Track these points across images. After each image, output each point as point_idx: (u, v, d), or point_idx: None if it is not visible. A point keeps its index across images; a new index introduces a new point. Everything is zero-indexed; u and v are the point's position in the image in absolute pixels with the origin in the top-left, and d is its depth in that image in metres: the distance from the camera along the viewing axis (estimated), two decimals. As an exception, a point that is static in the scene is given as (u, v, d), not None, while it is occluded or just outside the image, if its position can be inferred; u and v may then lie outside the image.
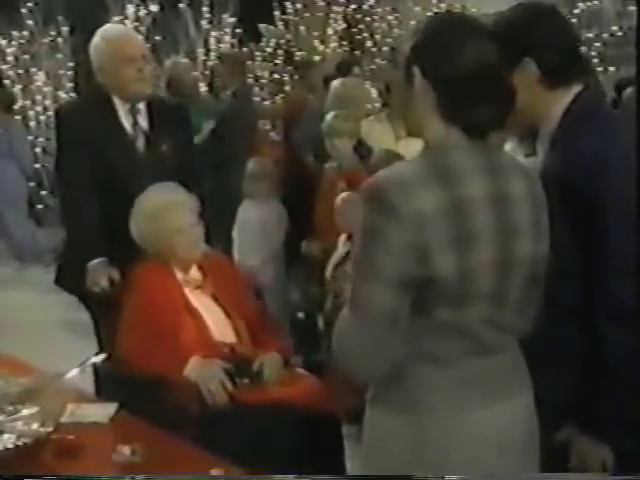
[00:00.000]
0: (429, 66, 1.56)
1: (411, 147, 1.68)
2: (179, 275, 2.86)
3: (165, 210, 2.84)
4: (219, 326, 2.80)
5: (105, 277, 3.01)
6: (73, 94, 8.18)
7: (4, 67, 8.37)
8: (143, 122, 3.22)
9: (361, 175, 4.22)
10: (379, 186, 1.52)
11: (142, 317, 2.69)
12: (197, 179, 3.32)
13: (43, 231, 7.76)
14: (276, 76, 8.65)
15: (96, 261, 3.03)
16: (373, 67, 8.55)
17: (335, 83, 4.88)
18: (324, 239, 4.18)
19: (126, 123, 3.20)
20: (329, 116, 4.34)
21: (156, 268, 2.84)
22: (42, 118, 8.28)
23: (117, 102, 3.19)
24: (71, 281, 3.22)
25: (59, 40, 8.28)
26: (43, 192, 8.04)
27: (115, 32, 3.31)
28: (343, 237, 3.88)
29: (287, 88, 8.14)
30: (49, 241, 7.09)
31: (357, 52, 9.04)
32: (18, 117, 7.99)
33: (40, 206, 8.02)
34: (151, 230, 2.85)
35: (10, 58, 8.35)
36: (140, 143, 3.21)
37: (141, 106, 3.22)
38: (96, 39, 3.23)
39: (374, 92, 6.24)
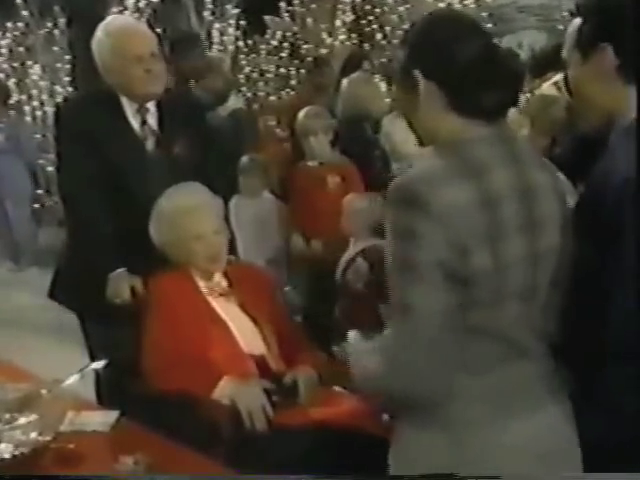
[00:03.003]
0: (431, 67, 1.60)
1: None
2: (201, 283, 2.76)
3: (184, 215, 2.74)
4: (247, 335, 2.68)
5: (127, 288, 2.91)
6: (70, 89, 8.20)
7: (-2, 60, 8.40)
8: (152, 122, 3.10)
9: (352, 169, 4.30)
10: (408, 185, 1.53)
11: (165, 331, 2.60)
12: (214, 181, 3.13)
13: (40, 231, 7.78)
14: (282, 70, 8.66)
15: (117, 271, 2.93)
16: (383, 60, 8.56)
17: (343, 82, 4.90)
18: (324, 237, 4.23)
19: (134, 123, 3.07)
20: (300, 115, 4.44)
21: (176, 277, 2.74)
22: (38, 113, 8.29)
23: (124, 101, 3.06)
24: (72, 295, 3.16)
25: (56, 32, 8.28)
26: (39, 191, 8.06)
27: (120, 26, 3.09)
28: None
29: (293, 83, 8.15)
30: (46, 242, 7.12)
31: (366, 45, 9.02)
32: (12, 112, 8.02)
33: (36, 205, 8.03)
34: (169, 236, 2.76)
35: (4, 51, 8.35)
36: (150, 144, 3.09)
37: (150, 105, 3.09)
38: (99, 34, 3.06)
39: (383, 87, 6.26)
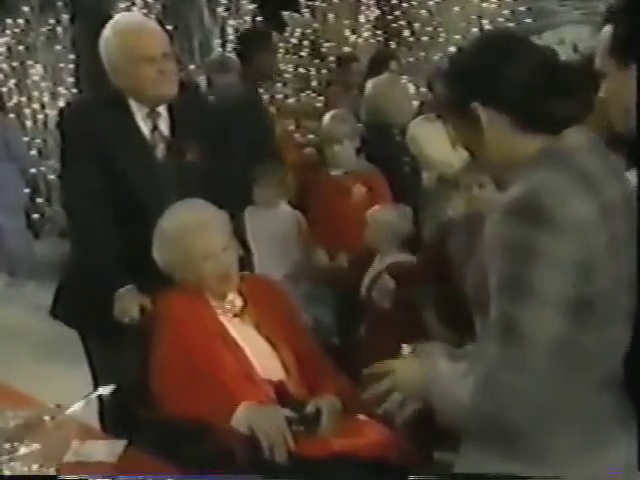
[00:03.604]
0: (488, 95, 1.64)
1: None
2: (213, 302, 2.75)
3: (188, 234, 2.72)
4: (263, 359, 2.67)
5: (136, 306, 2.90)
6: (74, 91, 8.24)
7: (-4, 59, 8.45)
8: (164, 127, 3.11)
9: (379, 178, 4.29)
10: (531, 198, 1.52)
11: (175, 354, 2.59)
12: (230, 192, 3.15)
13: (39, 243, 7.81)
14: (301, 70, 8.67)
15: (125, 288, 2.93)
16: (411, 60, 8.55)
17: (368, 84, 4.90)
18: (349, 252, 4.22)
19: (144, 128, 3.08)
20: (326, 119, 4.43)
21: (186, 296, 2.72)
22: (39, 117, 8.32)
23: (133, 104, 3.06)
24: (75, 313, 3.16)
25: (58, 29, 8.33)
26: (39, 200, 8.10)
27: (130, 25, 3.09)
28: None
29: (314, 84, 8.15)
30: (46, 254, 7.14)
31: (393, 43, 9.02)
32: (12, 115, 8.07)
33: (36, 215, 8.07)
34: (175, 257, 2.75)
35: (3, 49, 8.39)
36: (160, 150, 3.10)
37: (162, 109, 3.10)
38: (107, 32, 3.06)
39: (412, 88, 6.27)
